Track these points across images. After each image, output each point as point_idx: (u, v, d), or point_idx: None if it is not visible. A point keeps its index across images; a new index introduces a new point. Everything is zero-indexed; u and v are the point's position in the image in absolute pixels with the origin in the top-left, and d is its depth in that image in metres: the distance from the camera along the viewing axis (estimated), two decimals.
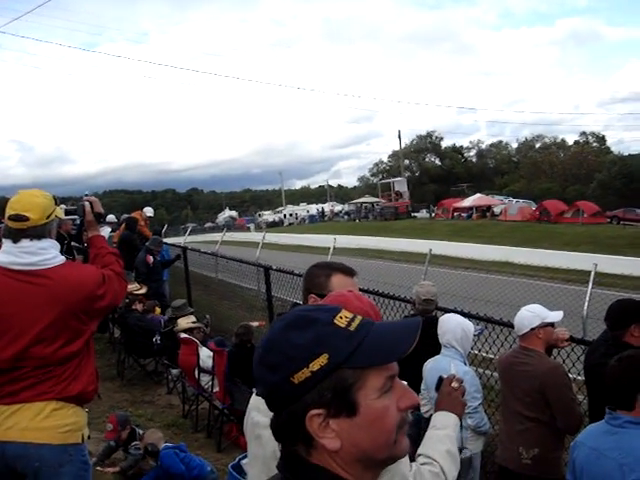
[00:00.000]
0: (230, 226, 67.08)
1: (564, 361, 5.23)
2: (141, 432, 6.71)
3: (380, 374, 1.28)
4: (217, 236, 27.53)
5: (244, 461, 4.02)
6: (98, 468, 6.26)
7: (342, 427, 1.26)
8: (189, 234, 28.81)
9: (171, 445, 6.35)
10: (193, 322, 9.08)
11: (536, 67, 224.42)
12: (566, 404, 4.35)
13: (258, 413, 2.15)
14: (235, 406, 7.57)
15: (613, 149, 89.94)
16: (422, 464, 2.22)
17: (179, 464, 6.02)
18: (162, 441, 6.39)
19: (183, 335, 8.66)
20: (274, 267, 9.38)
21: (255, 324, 8.75)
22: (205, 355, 8.17)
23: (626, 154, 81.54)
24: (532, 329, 4.51)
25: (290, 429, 1.29)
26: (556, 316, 4.62)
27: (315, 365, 1.24)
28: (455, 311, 5.85)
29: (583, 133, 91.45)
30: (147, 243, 12.33)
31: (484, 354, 6.79)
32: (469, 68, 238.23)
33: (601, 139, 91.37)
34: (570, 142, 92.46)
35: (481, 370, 6.70)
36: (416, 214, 66.09)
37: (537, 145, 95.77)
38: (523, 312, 4.61)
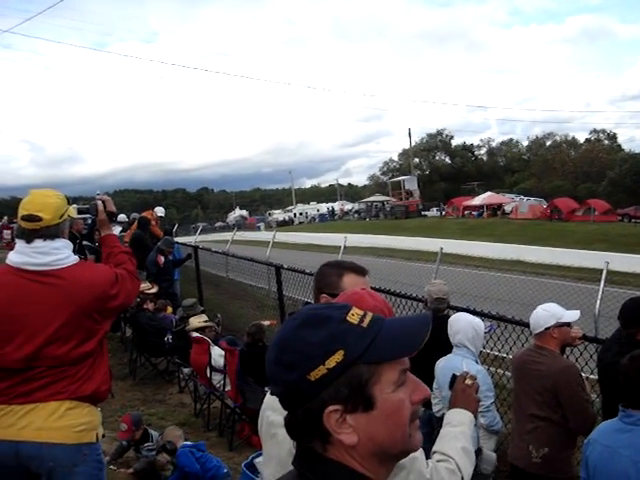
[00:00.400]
0: (240, 225, 67.23)
1: (577, 359, 5.22)
2: (155, 433, 6.74)
3: (394, 368, 1.31)
4: (228, 235, 27.55)
5: (257, 460, 4.03)
6: (111, 467, 6.28)
7: (359, 422, 1.28)
8: (200, 233, 28.87)
9: (190, 444, 6.36)
10: (205, 321, 9.09)
11: (547, 65, 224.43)
12: (578, 404, 4.34)
13: (273, 412, 2.15)
14: (247, 405, 7.58)
15: (624, 147, 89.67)
16: (438, 461, 2.23)
17: (194, 463, 6.02)
18: (181, 439, 6.42)
19: (195, 334, 8.67)
20: (285, 266, 9.39)
21: (266, 323, 8.76)
22: (217, 354, 8.19)
23: (637, 152, 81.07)
24: (547, 328, 4.50)
25: (306, 426, 1.30)
26: (572, 315, 4.60)
27: (331, 362, 1.25)
28: (467, 310, 5.85)
29: (594, 131, 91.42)
30: (159, 243, 12.32)
31: (496, 353, 6.78)
32: (479, 66, 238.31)
33: (612, 137, 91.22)
34: (581, 140, 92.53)
35: (493, 369, 6.69)
36: (426, 212, 66.11)
37: (548, 143, 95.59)
38: (539, 311, 4.59)
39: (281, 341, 1.32)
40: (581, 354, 5.30)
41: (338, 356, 1.26)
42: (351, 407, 1.27)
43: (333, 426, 1.27)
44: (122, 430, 6.65)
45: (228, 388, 8.02)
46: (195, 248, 14.08)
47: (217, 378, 8.18)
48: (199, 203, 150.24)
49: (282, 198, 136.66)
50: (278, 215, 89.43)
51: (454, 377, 2.59)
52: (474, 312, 5.79)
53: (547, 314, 4.53)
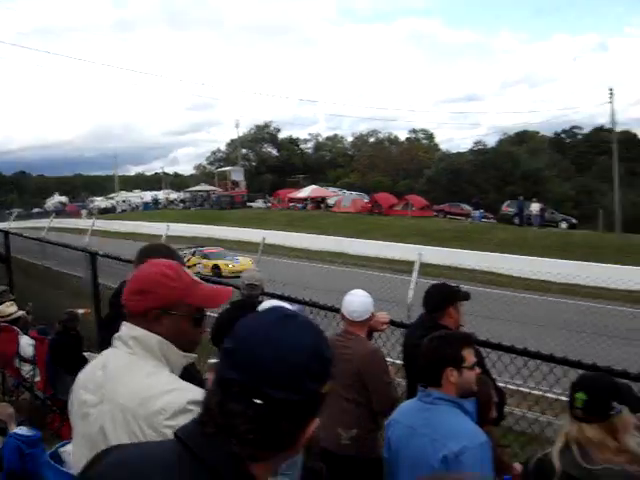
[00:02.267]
0: (60, 212, 64.58)
1: (384, 344, 5.43)
2: None
3: None
4: (45, 222, 26.48)
5: (62, 449, 3.90)
6: None
7: None
8: (15, 219, 27.54)
9: (20, 432, 5.84)
10: (15, 311, 8.67)
11: (377, 64, 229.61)
12: (381, 387, 4.51)
13: (86, 392, 2.10)
14: (57, 396, 7.34)
15: (445, 146, 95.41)
16: None
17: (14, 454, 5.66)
18: (13, 420, 5.84)
19: (2, 322, 8.28)
20: (101, 253, 9.11)
21: (81, 311, 8.49)
22: (25, 342, 7.86)
23: (454, 152, 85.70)
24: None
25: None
26: None
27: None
28: (281, 297, 5.93)
29: (413, 130, 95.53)
30: None
31: None
32: (311, 61, 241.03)
33: (430, 136, 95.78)
34: (402, 138, 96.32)
35: None
36: (252, 204, 66.32)
37: (371, 140, 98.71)
38: (364, 299, 4.72)
39: (314, 348, 1.30)
40: (388, 339, 5.51)
41: None
42: None
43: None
44: None
45: (38, 379, 7.72)
46: (6, 233, 13.37)
47: (26, 369, 7.86)
48: (15, 187, 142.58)
49: (105, 184, 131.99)
50: (100, 202, 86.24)
51: None
52: (285, 298, 5.88)
53: (370, 301, 4.70)
